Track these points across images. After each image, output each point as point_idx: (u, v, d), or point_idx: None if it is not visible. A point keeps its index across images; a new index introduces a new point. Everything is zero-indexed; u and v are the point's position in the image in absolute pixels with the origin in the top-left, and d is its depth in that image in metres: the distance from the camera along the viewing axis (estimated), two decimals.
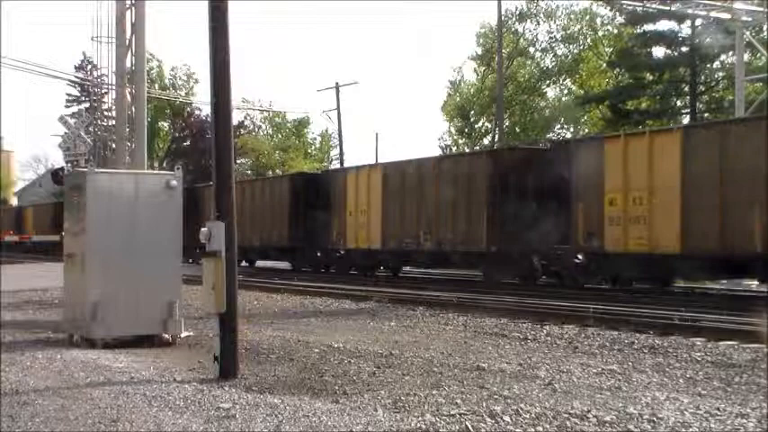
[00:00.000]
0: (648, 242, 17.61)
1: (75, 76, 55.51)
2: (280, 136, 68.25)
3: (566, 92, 52.24)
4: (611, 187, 18.30)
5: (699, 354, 9.58)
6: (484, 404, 6.78)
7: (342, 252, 27.22)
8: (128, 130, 14.69)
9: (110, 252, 10.42)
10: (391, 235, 24.61)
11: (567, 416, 6.32)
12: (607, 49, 48.78)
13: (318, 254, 28.75)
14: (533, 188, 20.27)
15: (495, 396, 7.12)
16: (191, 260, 19.19)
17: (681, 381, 7.98)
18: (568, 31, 50.64)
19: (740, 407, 6.73)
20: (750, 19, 28.97)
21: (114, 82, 15.03)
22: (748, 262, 16.54)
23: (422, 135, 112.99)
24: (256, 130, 67.66)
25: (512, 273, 21.47)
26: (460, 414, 6.42)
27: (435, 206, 22.95)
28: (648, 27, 38.80)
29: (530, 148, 22.67)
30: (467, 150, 47.72)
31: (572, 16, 50.51)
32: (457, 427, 6.05)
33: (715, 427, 6.10)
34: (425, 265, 26.33)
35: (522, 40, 51.79)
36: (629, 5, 34.78)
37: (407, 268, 27.33)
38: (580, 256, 19.67)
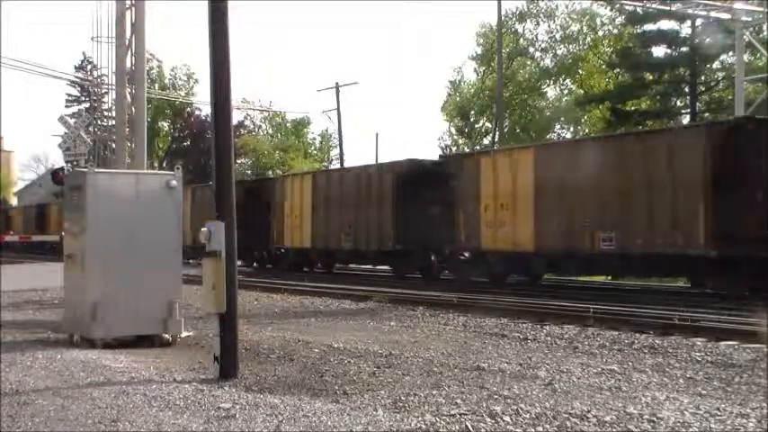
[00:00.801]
0: (512, 242, 20.85)
1: (75, 76, 55.56)
2: (280, 136, 68.22)
3: (566, 92, 52.23)
4: (485, 195, 21.60)
5: (699, 354, 9.59)
6: (484, 404, 6.78)
7: (282, 250, 30.54)
8: (128, 130, 14.67)
9: (110, 252, 10.42)
10: (319, 236, 28.07)
11: (566, 416, 6.32)
12: (607, 49, 48.74)
13: (264, 252, 31.72)
14: (430, 196, 23.57)
15: (495, 396, 7.12)
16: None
17: (681, 381, 7.98)
18: (568, 31, 50.60)
19: (740, 407, 6.73)
20: (750, 19, 28.94)
21: (114, 82, 15.01)
22: (585, 259, 19.74)
23: (422, 135, 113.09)
24: (256, 130, 67.71)
25: (414, 268, 25.13)
26: (460, 414, 6.42)
27: (353, 211, 26.44)
28: (648, 27, 38.80)
29: (428, 162, 26.38)
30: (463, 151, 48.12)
31: (572, 16, 50.51)
32: (457, 427, 6.05)
33: (715, 427, 6.10)
34: (346, 262, 29.91)
35: (521, 40, 51.77)
36: (629, 5, 34.75)
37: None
38: (466, 254, 23.01)
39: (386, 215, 25.01)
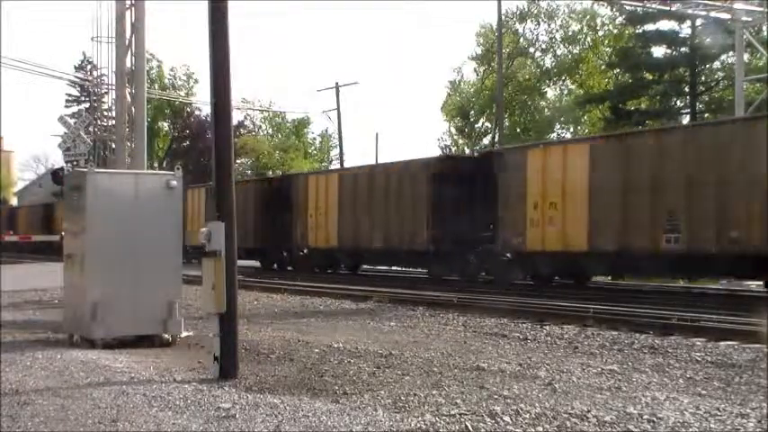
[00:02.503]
0: (325, 240, 28.20)
1: (75, 76, 55.46)
2: (280, 136, 68.22)
3: (566, 92, 52.20)
4: (311, 205, 29.04)
5: (699, 354, 9.59)
6: (484, 404, 6.78)
7: (189, 248, 37.74)
8: (128, 130, 14.65)
9: (110, 252, 10.41)
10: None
11: (566, 416, 6.33)
12: (607, 50, 48.73)
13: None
14: (280, 205, 30.53)
15: (495, 396, 7.12)
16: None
17: (681, 381, 7.98)
18: (568, 31, 50.60)
19: (740, 407, 6.74)
20: (750, 19, 28.94)
21: (114, 82, 14.99)
22: (367, 253, 27.41)
23: (422, 135, 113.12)
24: (256, 130, 67.69)
25: (273, 262, 31.75)
26: (460, 414, 6.42)
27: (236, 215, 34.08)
28: (648, 27, 38.80)
29: (279, 177, 35.01)
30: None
31: (572, 15, 50.50)
32: (457, 427, 6.05)
33: (715, 428, 6.10)
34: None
35: (522, 40, 51.76)
36: (629, 5, 34.75)
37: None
38: (305, 250, 29.83)
39: (253, 219, 31.45)
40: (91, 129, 21.39)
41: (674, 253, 17.49)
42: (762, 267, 16.54)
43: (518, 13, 51.06)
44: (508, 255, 21.81)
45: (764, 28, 33.16)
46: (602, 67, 47.80)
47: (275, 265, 31.55)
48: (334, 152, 61.81)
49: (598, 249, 19.04)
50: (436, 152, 51.74)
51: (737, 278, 19.92)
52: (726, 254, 16.67)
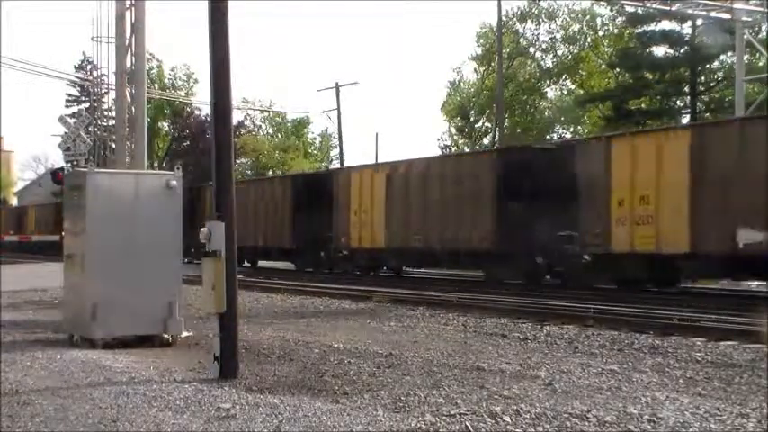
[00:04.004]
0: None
1: (75, 76, 55.45)
2: (280, 136, 68.22)
3: (566, 92, 52.18)
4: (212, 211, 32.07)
5: (699, 354, 9.59)
6: (484, 404, 6.78)
7: None
8: (128, 130, 14.64)
9: (110, 252, 10.40)
10: None
11: (567, 416, 6.32)
12: (607, 50, 48.71)
13: None
14: (191, 211, 31.81)
15: (495, 396, 7.12)
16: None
17: (681, 381, 7.98)
18: (569, 31, 50.57)
19: (740, 407, 6.73)
20: (750, 19, 28.94)
21: (114, 82, 14.98)
22: (258, 251, 32.66)
23: (422, 135, 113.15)
24: (256, 130, 67.68)
25: (192, 260, 39.18)
26: (460, 414, 6.42)
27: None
28: (649, 27, 38.79)
29: (190, 188, 37.91)
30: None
31: (572, 15, 50.45)
32: (457, 427, 6.05)
33: (715, 427, 6.10)
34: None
35: (522, 40, 51.75)
36: (630, 5, 34.74)
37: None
38: None
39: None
40: (91, 129, 21.39)
41: (418, 250, 24.62)
42: (475, 262, 23.22)
43: (518, 13, 51.07)
44: (345, 251, 27.96)
45: (764, 28, 33.16)
46: (603, 67, 47.78)
47: (194, 261, 35.14)
48: (335, 152, 61.87)
49: (390, 247, 25.70)
50: (437, 152, 51.83)
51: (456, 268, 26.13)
52: (446, 251, 23.64)
